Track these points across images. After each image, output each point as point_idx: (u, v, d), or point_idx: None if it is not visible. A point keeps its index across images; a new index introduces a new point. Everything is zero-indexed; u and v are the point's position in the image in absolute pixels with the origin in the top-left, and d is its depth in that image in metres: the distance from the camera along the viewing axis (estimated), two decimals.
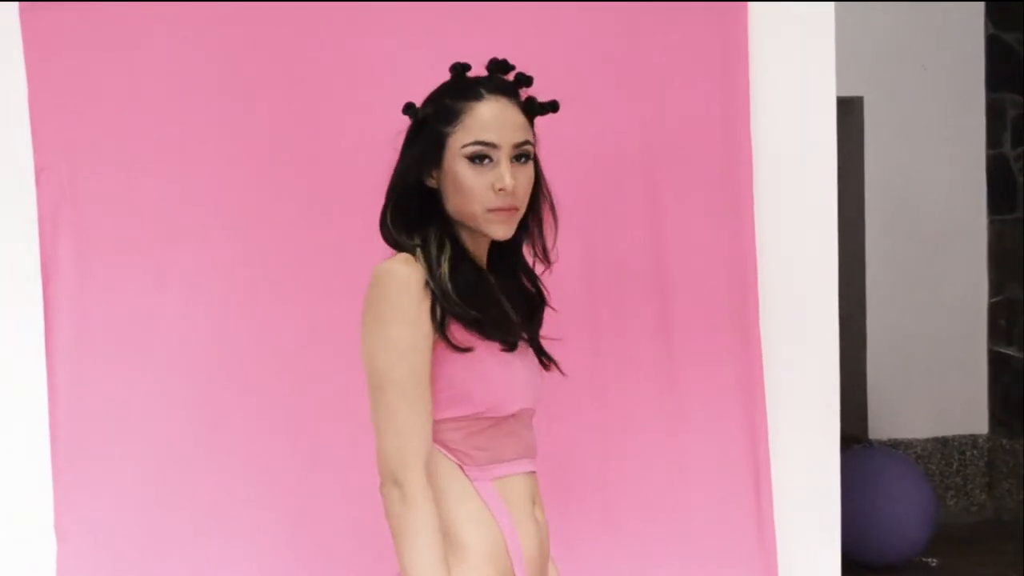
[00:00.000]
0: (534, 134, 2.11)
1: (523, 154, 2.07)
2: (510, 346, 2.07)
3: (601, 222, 3.13)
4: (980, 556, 5.71)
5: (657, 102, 3.14)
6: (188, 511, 2.96)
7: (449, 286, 2.02)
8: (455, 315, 2.01)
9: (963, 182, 6.28)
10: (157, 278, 2.96)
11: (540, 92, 2.16)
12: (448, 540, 2.03)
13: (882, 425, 6.25)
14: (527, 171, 2.08)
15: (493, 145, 2.04)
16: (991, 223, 6.33)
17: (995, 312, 6.35)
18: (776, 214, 3.22)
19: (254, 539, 2.99)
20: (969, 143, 6.27)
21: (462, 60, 2.13)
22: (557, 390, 2.42)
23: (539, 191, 2.15)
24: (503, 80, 2.10)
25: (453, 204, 2.07)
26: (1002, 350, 6.33)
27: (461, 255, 2.08)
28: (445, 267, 2.03)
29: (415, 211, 2.10)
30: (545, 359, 2.19)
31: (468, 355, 2.02)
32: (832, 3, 3.25)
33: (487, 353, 2.05)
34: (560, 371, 2.20)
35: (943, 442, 6.31)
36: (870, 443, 5.90)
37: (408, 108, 2.12)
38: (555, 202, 2.18)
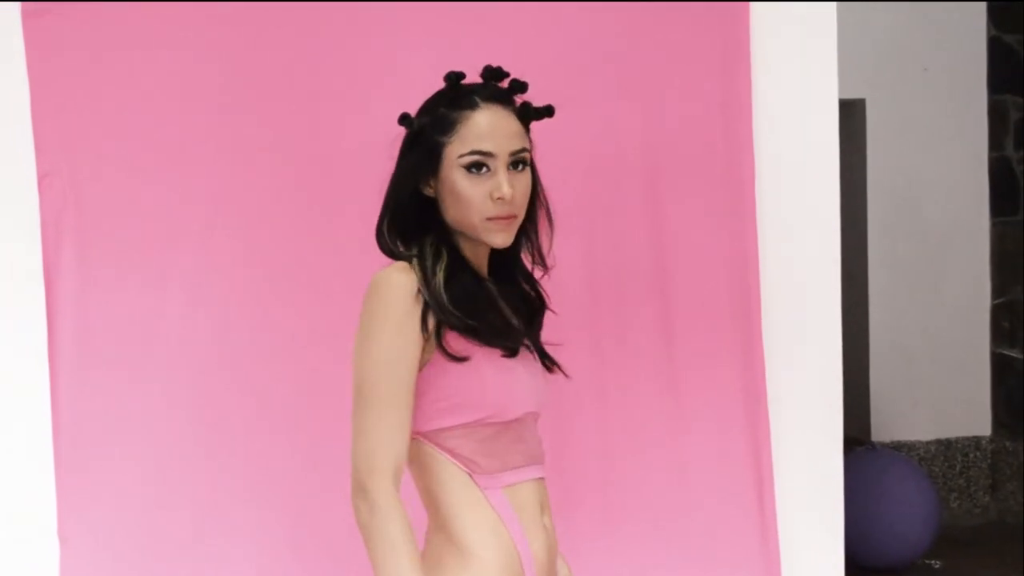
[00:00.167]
0: (530, 139, 2.11)
1: (520, 161, 2.06)
2: (511, 352, 2.07)
3: (602, 223, 3.13)
4: (983, 558, 5.71)
5: (658, 103, 3.14)
6: (189, 512, 2.96)
7: (444, 296, 2.01)
8: (451, 325, 2.01)
9: (965, 184, 6.28)
10: (158, 280, 2.96)
11: (541, 93, 2.16)
12: (460, 550, 2.03)
13: (885, 427, 6.25)
14: (524, 178, 2.07)
15: (490, 154, 2.03)
16: (993, 225, 6.33)
17: (998, 314, 6.34)
18: (778, 216, 3.22)
19: (255, 540, 2.99)
20: (971, 145, 6.27)
21: (463, 60, 2.13)
22: (558, 391, 2.42)
23: (536, 197, 2.15)
24: (497, 88, 2.09)
25: (451, 213, 2.07)
26: (1005, 352, 6.32)
27: (459, 264, 2.08)
28: (440, 277, 2.02)
29: (412, 221, 2.10)
30: (548, 363, 2.18)
31: (469, 362, 2.02)
32: (834, 4, 3.25)
33: (488, 360, 2.04)
34: (564, 374, 2.21)
35: (946, 444, 6.31)
36: (873, 445, 5.89)
37: (403, 119, 2.11)
38: (551, 207, 2.18)
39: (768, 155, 3.21)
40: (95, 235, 2.93)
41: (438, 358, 2.03)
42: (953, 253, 6.28)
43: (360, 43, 3.01)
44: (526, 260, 2.22)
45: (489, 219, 2.05)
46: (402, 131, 2.13)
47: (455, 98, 2.07)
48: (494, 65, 2.11)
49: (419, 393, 2.03)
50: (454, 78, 2.10)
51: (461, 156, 2.04)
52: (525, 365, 2.11)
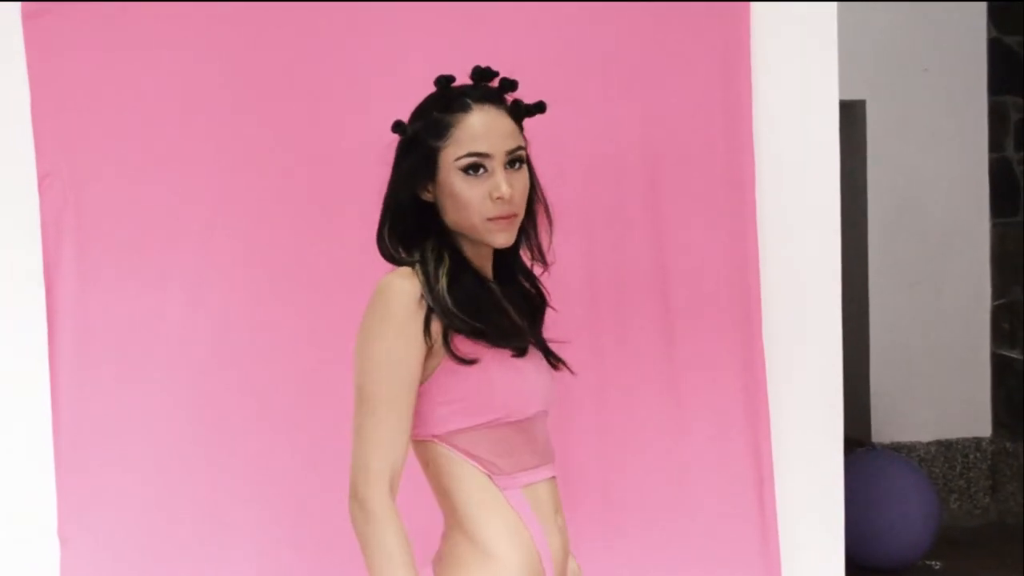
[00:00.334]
0: (524, 137, 2.11)
1: (516, 159, 2.06)
2: (520, 352, 2.07)
3: (603, 224, 3.13)
4: (983, 559, 5.70)
5: (659, 103, 3.15)
6: (189, 512, 2.96)
7: (448, 300, 2.01)
8: (457, 328, 2.01)
9: (966, 185, 6.27)
10: (158, 280, 2.96)
11: (541, 93, 2.16)
12: (481, 550, 2.03)
13: (885, 428, 6.24)
14: (522, 176, 2.07)
15: (486, 155, 2.03)
16: (994, 226, 6.33)
17: (998, 315, 6.34)
18: (778, 217, 3.22)
19: (255, 540, 2.99)
20: (971, 146, 6.26)
21: (463, 60, 2.13)
22: (559, 392, 2.42)
23: (533, 194, 2.15)
24: (488, 88, 2.09)
25: (452, 217, 2.07)
26: (1005, 353, 6.32)
27: (462, 267, 2.08)
28: (443, 281, 2.02)
29: (412, 226, 2.10)
30: (554, 360, 2.18)
31: (478, 364, 2.02)
32: (834, 5, 3.25)
33: (498, 361, 2.04)
34: (570, 370, 2.21)
35: (946, 445, 6.30)
36: (873, 446, 5.89)
37: (397, 126, 2.11)
38: (549, 203, 2.18)
39: (768, 155, 3.21)
40: (95, 235, 2.93)
41: (448, 361, 2.03)
42: (953, 254, 6.27)
43: (360, 43, 3.01)
44: (525, 258, 2.21)
45: (490, 220, 2.04)
46: (395, 137, 2.12)
47: (447, 101, 2.06)
48: (483, 65, 2.11)
49: (431, 396, 2.04)
50: (444, 81, 2.10)
51: (458, 159, 2.03)
52: (533, 364, 2.11)
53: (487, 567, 2.03)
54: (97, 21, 2.93)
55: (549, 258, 2.20)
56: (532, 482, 2.10)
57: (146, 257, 2.96)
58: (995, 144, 6.29)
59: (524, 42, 3.02)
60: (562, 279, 2.35)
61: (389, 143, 2.12)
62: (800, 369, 3.26)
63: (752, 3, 3.18)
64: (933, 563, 5.58)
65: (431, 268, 2.04)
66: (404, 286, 2.01)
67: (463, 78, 2.11)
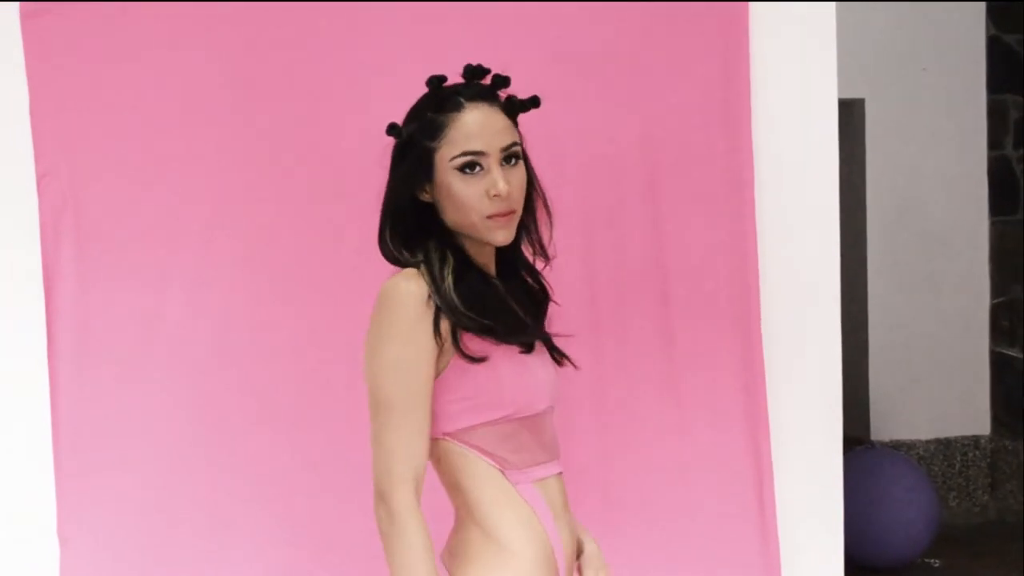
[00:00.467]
0: (519, 132, 2.11)
1: (512, 155, 2.06)
2: (527, 347, 2.08)
3: (602, 224, 3.13)
4: (983, 557, 5.71)
5: (658, 103, 3.15)
6: (189, 513, 2.96)
7: (455, 299, 2.01)
8: (465, 327, 2.01)
9: (965, 184, 6.28)
10: (157, 280, 2.96)
11: (541, 92, 2.15)
12: (496, 544, 2.04)
13: (884, 426, 6.25)
14: (519, 172, 2.07)
15: (481, 153, 2.03)
16: (993, 224, 6.33)
17: (997, 313, 6.34)
18: (777, 216, 3.22)
19: (255, 539, 2.99)
20: (970, 145, 6.27)
21: (463, 60, 2.12)
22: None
23: (532, 188, 2.15)
24: (481, 86, 2.09)
25: (451, 216, 2.07)
26: (1004, 351, 6.32)
27: (465, 265, 2.08)
28: (449, 280, 2.03)
29: (413, 227, 2.10)
30: (557, 355, 2.19)
31: (488, 362, 2.03)
32: (833, 4, 3.25)
33: (506, 357, 2.05)
34: (573, 365, 2.22)
35: (945, 443, 6.31)
36: (872, 444, 5.89)
37: (391, 129, 2.11)
38: (547, 197, 2.18)
39: (768, 154, 3.21)
40: (94, 235, 2.93)
41: (457, 360, 2.03)
42: (952, 252, 6.28)
43: (360, 43, 3.01)
44: (527, 252, 2.22)
45: (488, 217, 2.04)
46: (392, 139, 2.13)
47: (440, 101, 2.07)
48: (475, 64, 2.11)
49: (441, 395, 2.04)
50: (436, 82, 2.10)
51: (453, 159, 2.04)
52: (539, 360, 2.12)
53: (503, 560, 2.04)
54: (96, 21, 2.93)
55: (550, 252, 2.21)
56: (543, 477, 2.11)
57: (145, 257, 2.96)
58: (994, 142, 6.29)
59: (524, 42, 3.03)
60: (561, 279, 2.35)
61: (387, 144, 2.12)
62: (799, 368, 3.26)
63: (751, 3, 3.18)
64: (932, 561, 5.58)
65: (436, 267, 2.04)
66: (411, 287, 2.01)
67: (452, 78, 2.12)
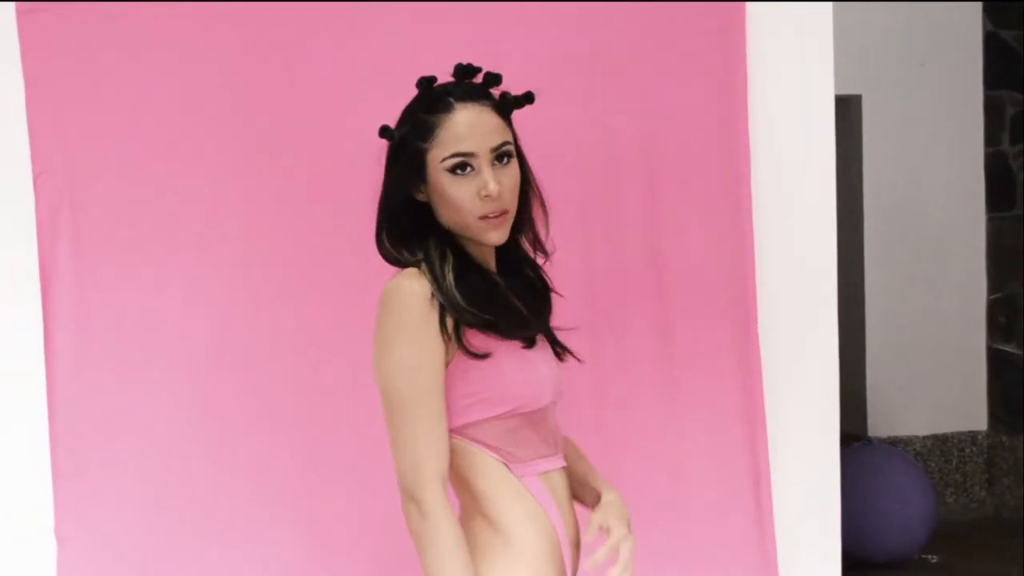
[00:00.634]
0: (513, 131, 2.11)
1: (504, 155, 2.06)
2: (529, 342, 2.08)
3: (599, 221, 3.13)
4: (980, 553, 5.71)
5: (655, 101, 3.15)
6: (187, 512, 2.96)
7: (457, 296, 2.02)
8: (468, 323, 2.02)
9: (962, 180, 6.28)
10: (156, 279, 2.96)
11: (539, 90, 2.15)
12: (503, 536, 2.05)
13: (882, 422, 6.25)
14: (511, 171, 2.07)
15: (471, 154, 2.03)
16: (990, 220, 6.33)
17: (994, 309, 6.35)
18: (775, 212, 3.23)
19: (253, 538, 2.99)
20: (967, 141, 6.27)
21: (461, 59, 2.13)
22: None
23: (527, 186, 2.15)
24: (471, 85, 2.09)
25: (445, 216, 2.08)
26: (1001, 347, 6.33)
27: (465, 262, 2.08)
28: (450, 277, 2.03)
29: (410, 226, 2.10)
30: (560, 350, 2.20)
31: (497, 356, 2.04)
32: (830, 2, 3.25)
33: (509, 353, 2.06)
34: (577, 359, 2.23)
35: (942, 439, 6.31)
36: (870, 440, 5.90)
37: (384, 131, 2.11)
38: (543, 193, 2.18)
39: (765, 151, 3.21)
40: (91, 234, 2.93)
41: (460, 356, 2.04)
42: (949, 248, 6.28)
43: (360, 43, 3.01)
44: (527, 247, 2.22)
45: (481, 218, 2.05)
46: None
47: (430, 102, 2.07)
48: (465, 63, 2.11)
49: (446, 391, 2.05)
50: (426, 83, 2.10)
51: (443, 160, 2.04)
52: (542, 355, 2.13)
53: (510, 553, 2.05)
54: (93, 19, 2.92)
55: (549, 247, 2.21)
56: (547, 470, 2.12)
57: (143, 255, 2.95)
58: (991, 138, 6.29)
59: (521, 41, 3.03)
60: (559, 277, 2.35)
61: (381, 148, 2.12)
62: (796, 364, 3.26)
63: (748, 2, 3.18)
64: (929, 557, 5.59)
65: (436, 265, 2.05)
66: (413, 287, 2.02)
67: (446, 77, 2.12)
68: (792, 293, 3.26)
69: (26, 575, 2.93)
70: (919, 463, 6.01)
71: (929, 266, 6.25)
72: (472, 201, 2.04)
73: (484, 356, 2.03)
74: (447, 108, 2.05)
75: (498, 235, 2.07)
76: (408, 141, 2.07)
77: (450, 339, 2.02)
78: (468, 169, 2.04)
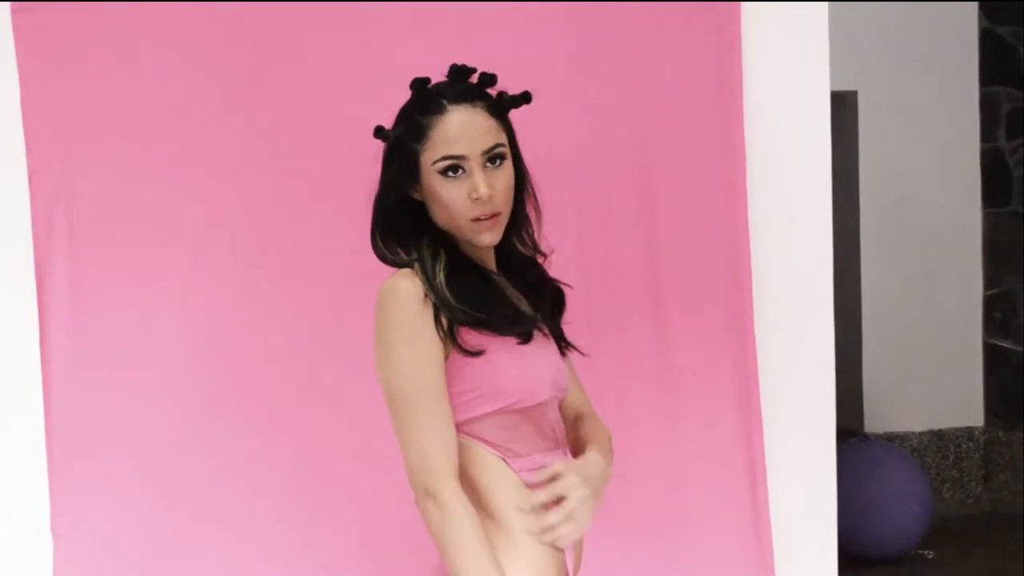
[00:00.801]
0: (507, 130, 2.12)
1: (496, 157, 2.07)
2: (524, 338, 2.09)
3: (595, 220, 3.13)
4: (977, 549, 5.72)
5: (651, 99, 3.15)
6: (184, 509, 2.96)
7: (448, 294, 2.03)
8: (460, 321, 2.04)
9: (958, 175, 6.29)
10: (151, 278, 2.96)
11: (536, 89, 2.16)
12: (505, 534, 2.06)
13: (878, 418, 6.26)
14: (503, 173, 2.08)
15: (462, 157, 2.05)
16: (986, 216, 6.34)
17: (990, 305, 6.36)
18: (771, 209, 3.23)
19: (250, 536, 2.99)
20: (963, 137, 6.28)
21: (458, 58, 2.14)
22: None
23: (523, 187, 2.16)
24: (465, 86, 2.10)
25: (438, 217, 2.10)
26: (998, 343, 6.34)
27: (460, 261, 2.10)
28: (441, 276, 2.05)
29: (406, 226, 2.12)
30: (564, 345, 2.22)
31: (490, 353, 2.05)
32: (826, 1, 3.25)
33: (504, 350, 2.07)
34: (580, 352, 2.26)
35: (939, 435, 6.32)
36: (866, 436, 5.90)
37: (378, 131, 2.13)
38: (538, 194, 2.19)
39: (760, 148, 3.21)
40: (88, 234, 2.93)
41: (455, 354, 2.05)
42: (945, 244, 6.29)
43: (357, 40, 3.01)
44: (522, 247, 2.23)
45: (473, 220, 2.06)
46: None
47: (424, 103, 2.08)
48: (459, 63, 2.12)
49: None
50: (419, 84, 2.11)
51: (435, 162, 2.05)
52: (543, 350, 2.14)
53: (511, 547, 2.06)
54: (89, 17, 2.92)
55: (544, 248, 2.23)
56: (546, 465, 2.12)
57: (139, 253, 2.95)
58: (987, 134, 6.30)
59: (517, 39, 3.03)
60: (556, 274, 2.35)
61: (379, 148, 2.13)
62: (792, 360, 3.27)
63: (743, 1, 3.19)
64: (926, 553, 5.59)
65: (428, 265, 2.07)
66: (407, 287, 2.03)
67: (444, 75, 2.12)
68: (788, 290, 3.26)
69: (22, 572, 2.93)
70: (916, 459, 6.02)
71: (925, 262, 6.26)
72: (463, 203, 2.05)
73: (478, 353, 2.04)
74: (440, 110, 2.06)
75: (490, 236, 2.09)
76: (403, 142, 2.08)
77: (445, 337, 2.04)
78: (460, 171, 2.05)
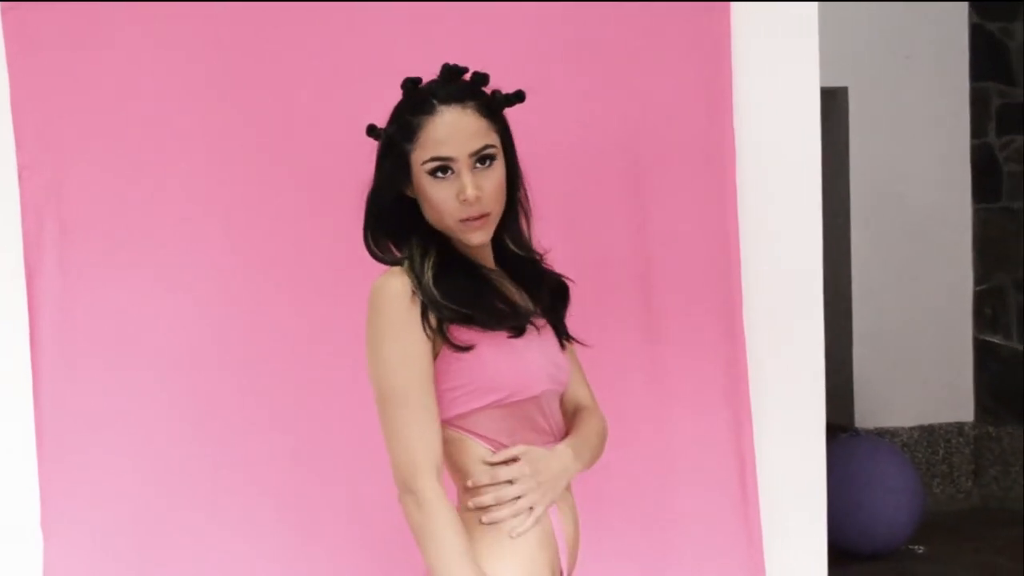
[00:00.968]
0: (500, 130, 2.12)
1: (486, 157, 2.07)
2: (516, 332, 2.10)
3: (585, 216, 3.13)
4: (966, 543, 5.73)
5: (640, 94, 3.15)
6: (176, 506, 2.96)
7: (435, 292, 2.04)
8: (446, 318, 2.05)
9: (948, 171, 6.30)
10: (143, 275, 2.95)
11: (526, 87, 2.16)
12: (496, 529, 2.07)
13: (868, 413, 6.27)
14: (493, 174, 2.08)
15: (450, 159, 2.05)
16: (976, 212, 6.35)
17: (980, 300, 6.37)
18: (760, 204, 3.23)
19: (243, 532, 2.99)
20: (953, 132, 6.29)
21: (450, 55, 2.14)
22: None
23: (516, 187, 2.16)
24: (456, 86, 2.10)
25: (428, 216, 2.11)
26: (988, 338, 6.35)
27: (452, 257, 2.11)
28: (429, 274, 2.06)
29: (399, 223, 2.13)
30: (564, 338, 2.23)
31: (479, 348, 2.06)
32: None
33: (494, 345, 2.08)
34: (582, 343, 2.28)
35: (929, 430, 6.33)
36: (856, 432, 5.92)
37: (370, 130, 2.15)
38: (528, 194, 2.20)
39: (750, 143, 3.21)
40: (78, 230, 2.92)
41: (446, 349, 2.07)
42: (936, 240, 6.30)
43: (350, 36, 3.00)
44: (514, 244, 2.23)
45: (461, 220, 2.07)
46: None
47: (415, 103, 2.09)
48: (452, 63, 2.12)
49: (436, 383, 2.08)
50: (410, 84, 2.12)
51: (424, 163, 2.06)
52: (537, 344, 2.14)
53: (502, 543, 2.07)
54: (78, 13, 2.91)
55: (537, 247, 2.24)
56: None
57: (130, 250, 2.95)
58: (977, 130, 6.31)
59: (510, 37, 3.02)
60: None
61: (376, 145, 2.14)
62: (782, 356, 3.27)
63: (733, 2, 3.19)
64: (916, 547, 5.61)
65: (417, 263, 2.08)
66: (395, 285, 2.05)
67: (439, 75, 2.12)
68: (778, 285, 3.26)
69: (12, 570, 2.93)
70: (906, 454, 6.03)
71: (916, 258, 6.27)
72: (452, 204, 2.06)
73: (467, 348, 2.05)
74: (430, 110, 2.06)
75: (479, 236, 2.09)
76: (394, 141, 2.09)
77: (435, 333, 2.05)
78: (448, 172, 2.06)
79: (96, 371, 2.93)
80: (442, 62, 2.13)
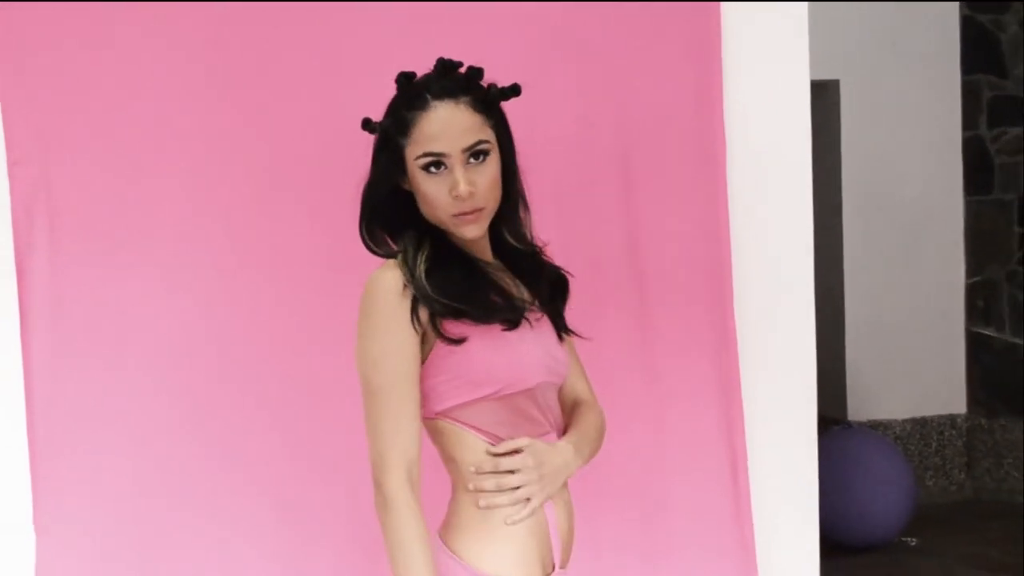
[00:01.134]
0: (496, 124, 2.12)
1: (479, 153, 2.07)
2: (509, 324, 2.09)
3: (577, 210, 3.13)
4: (959, 535, 5.75)
5: (631, 89, 3.15)
6: (168, 502, 2.95)
7: (426, 286, 2.05)
8: (438, 312, 2.05)
9: (939, 164, 6.31)
10: (133, 268, 2.94)
11: (517, 79, 2.15)
12: (489, 519, 2.08)
13: (861, 406, 6.28)
14: (486, 169, 2.08)
15: (443, 154, 2.06)
16: (968, 204, 6.36)
17: (973, 293, 6.38)
18: (751, 197, 3.23)
19: (235, 528, 2.98)
20: (945, 125, 6.30)
21: (444, 53, 2.14)
22: None
23: (511, 181, 2.16)
24: (449, 81, 2.10)
25: (423, 210, 2.11)
26: (980, 330, 6.36)
27: (447, 251, 2.11)
28: (422, 268, 2.06)
29: (395, 217, 2.13)
30: (562, 331, 2.23)
31: (472, 341, 2.06)
32: None
33: (487, 337, 2.08)
34: (581, 336, 2.28)
35: (922, 423, 6.35)
36: (849, 424, 5.93)
37: (365, 124, 2.14)
38: (523, 188, 2.20)
39: (741, 136, 3.22)
40: (68, 226, 2.91)
41: (440, 342, 2.07)
42: (927, 232, 6.31)
43: (350, 36, 2.99)
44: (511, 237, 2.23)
45: (454, 215, 2.07)
46: None
47: (409, 98, 2.09)
48: (446, 57, 2.12)
49: (431, 376, 2.09)
50: (404, 79, 2.12)
51: (417, 158, 2.07)
52: (533, 337, 2.14)
53: (495, 533, 2.08)
54: (68, 7, 2.90)
55: (535, 241, 2.24)
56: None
57: (119, 244, 2.94)
58: (969, 122, 6.32)
59: (502, 34, 3.02)
60: None
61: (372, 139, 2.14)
62: (774, 349, 3.27)
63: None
64: (909, 540, 5.62)
65: (410, 257, 2.08)
66: (387, 279, 2.05)
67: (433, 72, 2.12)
68: (769, 279, 3.27)
69: (4, 567, 2.92)
70: (898, 446, 6.04)
71: (908, 250, 6.28)
72: (445, 199, 2.06)
73: (459, 342, 2.05)
74: (423, 105, 2.07)
75: (473, 230, 2.10)
76: (389, 135, 2.09)
77: (427, 327, 2.05)
78: (441, 167, 2.06)
79: (89, 369, 2.92)
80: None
